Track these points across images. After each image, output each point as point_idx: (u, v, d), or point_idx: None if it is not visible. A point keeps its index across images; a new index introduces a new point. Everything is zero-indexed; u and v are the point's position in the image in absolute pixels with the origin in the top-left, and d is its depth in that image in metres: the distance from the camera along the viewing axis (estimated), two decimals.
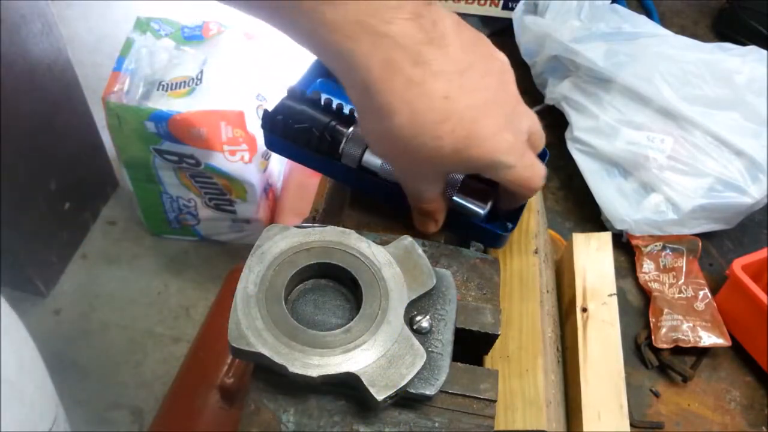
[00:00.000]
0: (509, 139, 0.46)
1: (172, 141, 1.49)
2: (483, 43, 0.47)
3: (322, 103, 0.56)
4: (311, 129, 0.55)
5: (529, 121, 0.49)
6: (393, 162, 0.49)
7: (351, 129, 0.54)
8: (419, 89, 0.42)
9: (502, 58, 0.48)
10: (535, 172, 0.49)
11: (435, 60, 0.43)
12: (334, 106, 0.56)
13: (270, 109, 0.57)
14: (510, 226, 0.56)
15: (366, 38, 0.41)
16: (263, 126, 0.57)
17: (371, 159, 0.54)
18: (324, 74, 0.64)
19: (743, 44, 0.92)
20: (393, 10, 0.41)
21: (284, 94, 0.57)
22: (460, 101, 0.43)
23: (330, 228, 0.47)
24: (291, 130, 0.56)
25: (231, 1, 0.47)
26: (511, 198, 0.53)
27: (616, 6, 0.98)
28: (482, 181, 0.52)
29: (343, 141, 0.54)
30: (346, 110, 0.56)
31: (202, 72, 1.52)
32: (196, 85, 1.51)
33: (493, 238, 0.56)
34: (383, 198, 0.57)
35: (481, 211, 0.54)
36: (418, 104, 0.43)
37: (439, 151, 0.44)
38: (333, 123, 0.55)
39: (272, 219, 1.75)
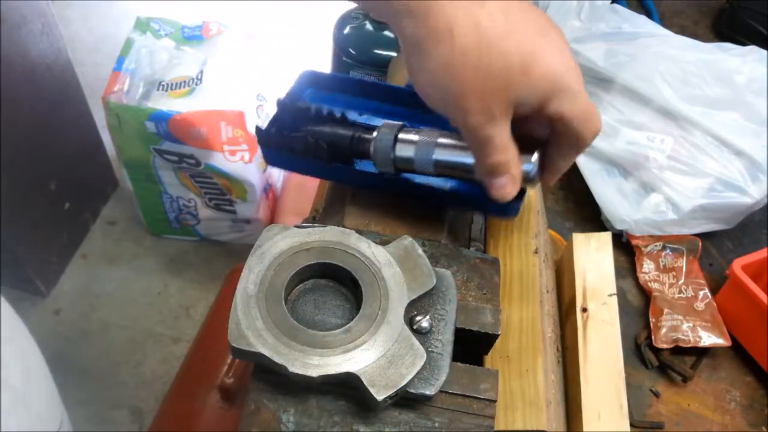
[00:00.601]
0: (571, 62, 0.45)
1: (172, 141, 1.49)
2: None
3: (319, 112, 0.56)
4: (314, 140, 0.55)
5: None
6: (456, 101, 0.45)
7: (375, 133, 0.54)
8: (481, 8, 0.42)
9: None
10: (595, 109, 0.47)
11: None
12: (324, 112, 0.56)
13: (263, 125, 0.57)
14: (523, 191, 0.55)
15: None
16: (260, 142, 0.57)
17: (404, 153, 0.53)
18: (312, 84, 0.64)
19: (743, 44, 0.92)
20: None
21: (275, 108, 0.57)
22: (519, 16, 0.43)
23: (330, 228, 0.47)
24: (294, 143, 0.55)
25: None
26: (567, 147, 0.49)
27: (616, 6, 0.98)
28: (523, 140, 0.50)
29: (372, 146, 0.54)
30: (338, 114, 0.56)
31: (202, 72, 1.52)
32: (196, 85, 1.51)
33: (505, 206, 0.54)
34: (390, 189, 0.57)
35: (530, 169, 0.51)
36: (481, 19, 0.42)
37: (509, 70, 0.43)
38: (357, 133, 0.55)
39: (272, 219, 1.75)
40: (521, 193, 0.54)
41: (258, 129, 0.56)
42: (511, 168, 0.48)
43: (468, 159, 0.51)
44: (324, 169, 0.57)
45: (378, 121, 0.60)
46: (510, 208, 0.56)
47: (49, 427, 0.69)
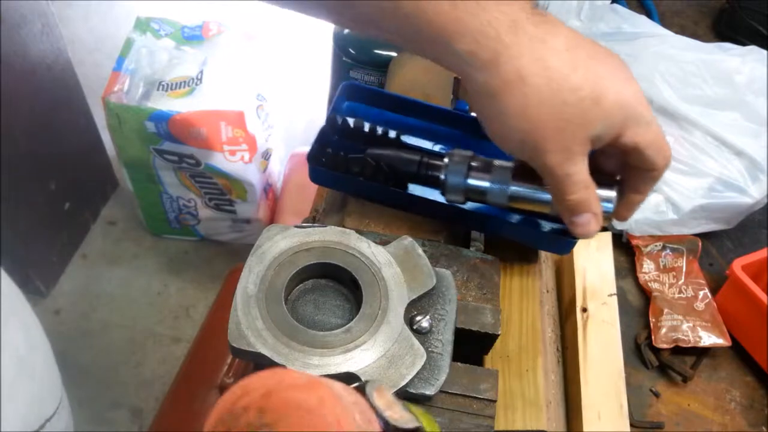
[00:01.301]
0: (638, 90, 0.46)
1: (172, 141, 1.49)
2: None
3: (373, 132, 0.56)
4: (376, 162, 0.54)
5: None
6: (535, 143, 0.45)
7: (446, 160, 0.53)
8: (544, 45, 0.43)
9: None
10: (665, 136, 0.47)
11: (548, 22, 0.44)
12: (379, 132, 0.56)
13: (314, 138, 0.56)
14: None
15: (491, 7, 0.42)
16: (313, 160, 0.55)
17: (478, 183, 0.53)
18: (351, 97, 0.63)
19: (743, 44, 0.92)
20: None
21: (324, 123, 0.56)
22: (581, 51, 0.44)
23: (330, 228, 0.47)
24: (352, 164, 0.54)
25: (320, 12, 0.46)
26: (642, 179, 0.50)
27: (616, 6, 0.98)
28: (598, 176, 0.49)
29: (443, 174, 0.53)
30: (392, 134, 0.56)
31: (202, 72, 1.52)
32: (196, 85, 1.51)
33: (562, 245, 0.55)
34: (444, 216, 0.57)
35: (610, 208, 0.50)
36: (546, 58, 0.43)
37: (581, 104, 0.43)
38: (425, 159, 0.54)
39: (272, 219, 1.75)
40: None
41: (313, 148, 0.55)
42: (592, 205, 0.48)
43: (545, 194, 0.50)
44: (378, 191, 0.56)
45: (420, 142, 0.60)
46: (568, 245, 0.56)
47: (51, 399, 0.69)
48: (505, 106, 0.44)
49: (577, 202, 0.48)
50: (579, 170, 0.46)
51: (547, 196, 0.50)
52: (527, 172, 0.50)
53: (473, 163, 0.53)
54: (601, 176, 0.49)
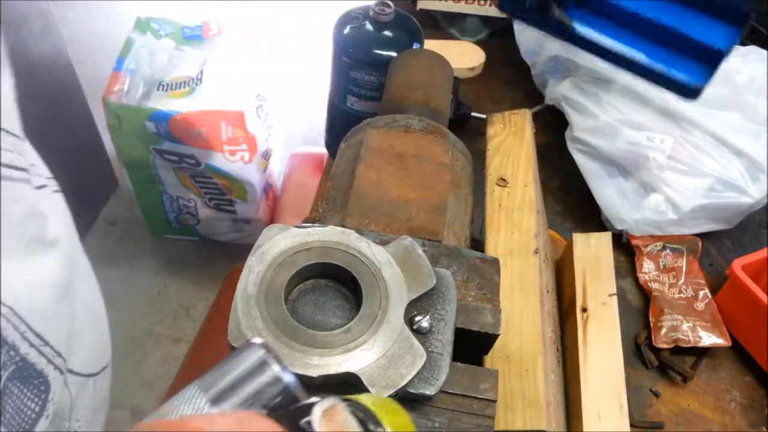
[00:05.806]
0: None
1: (172, 141, 1.49)
2: None
3: None
4: None
5: None
6: None
7: None
8: None
9: None
10: None
11: None
12: None
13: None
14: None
15: None
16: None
17: None
18: None
19: (743, 44, 0.92)
20: None
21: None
22: None
23: (330, 228, 0.47)
24: None
25: None
26: None
27: None
28: None
29: None
30: None
31: (202, 72, 1.52)
32: (196, 85, 1.51)
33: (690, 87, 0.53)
34: None
35: None
36: None
37: None
38: None
39: (272, 219, 1.75)
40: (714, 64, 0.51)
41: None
42: None
43: None
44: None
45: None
46: (693, 87, 0.53)
47: (105, 353, 0.71)
48: None
49: None
50: None
51: None
52: None
53: None
54: None
